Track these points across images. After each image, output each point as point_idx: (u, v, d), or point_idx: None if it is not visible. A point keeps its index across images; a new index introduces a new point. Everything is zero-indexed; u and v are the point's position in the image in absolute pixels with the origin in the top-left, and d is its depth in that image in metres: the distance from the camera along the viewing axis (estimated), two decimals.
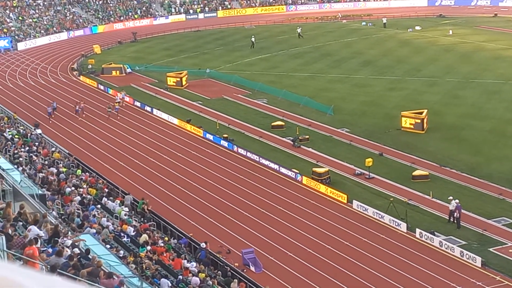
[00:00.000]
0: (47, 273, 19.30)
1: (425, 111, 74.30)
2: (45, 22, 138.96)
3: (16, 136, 62.30)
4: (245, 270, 44.07)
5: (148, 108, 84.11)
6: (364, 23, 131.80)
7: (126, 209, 48.49)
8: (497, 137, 70.18)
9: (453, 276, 43.90)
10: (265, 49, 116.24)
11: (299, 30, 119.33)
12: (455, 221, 50.97)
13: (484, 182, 58.79)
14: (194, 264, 40.65)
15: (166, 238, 44.15)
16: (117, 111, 79.82)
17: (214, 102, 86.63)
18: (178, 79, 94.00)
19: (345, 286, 42.98)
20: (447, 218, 51.80)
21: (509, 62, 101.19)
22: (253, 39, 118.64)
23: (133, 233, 43.03)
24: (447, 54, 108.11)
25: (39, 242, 24.78)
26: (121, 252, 36.97)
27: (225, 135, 72.17)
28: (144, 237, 41.91)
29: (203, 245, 44.47)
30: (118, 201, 50.22)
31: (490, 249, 47.37)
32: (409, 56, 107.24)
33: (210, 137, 72.61)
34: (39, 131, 70.47)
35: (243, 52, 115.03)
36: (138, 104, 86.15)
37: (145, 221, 47.95)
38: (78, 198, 45.81)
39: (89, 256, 27.38)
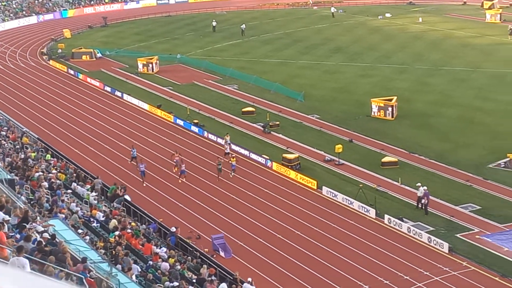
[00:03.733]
0: (16, 259, 19.31)
1: (395, 98, 74.78)
2: (14, 6, 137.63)
3: None
4: (214, 256, 44.22)
5: (119, 93, 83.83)
6: (334, 9, 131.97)
7: (95, 194, 48.42)
8: (465, 124, 70.83)
9: (421, 261, 44.36)
10: (235, 35, 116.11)
11: (243, 27, 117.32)
12: (423, 208, 51.46)
13: (452, 169, 59.39)
14: (164, 249, 40.73)
15: (134, 224, 44.11)
16: (233, 169, 59.16)
17: (185, 87, 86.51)
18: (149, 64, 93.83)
19: (314, 271, 43.30)
20: (415, 204, 52.29)
21: (478, 50, 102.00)
22: (214, 23, 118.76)
23: (102, 218, 43.00)
24: (416, 41, 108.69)
25: (5, 227, 24.72)
26: (88, 237, 36.95)
27: (196, 121, 72.16)
28: (114, 222, 41.90)
29: (173, 229, 44.54)
30: (88, 186, 50.14)
31: (457, 235, 47.89)
32: (379, 43, 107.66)
33: (181, 122, 72.57)
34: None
35: (213, 37, 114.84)
36: (108, 89, 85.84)
37: (115, 206, 47.86)
38: (47, 183, 45.61)
39: (56, 241, 27.32)
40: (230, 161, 59.24)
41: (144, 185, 56.42)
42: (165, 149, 65.23)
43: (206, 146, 66.08)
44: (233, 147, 63.89)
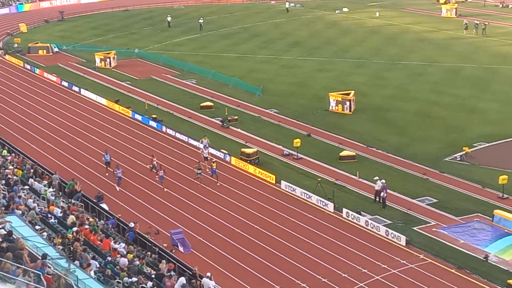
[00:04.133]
0: None
1: (352, 92, 75.26)
2: None
3: None
4: (173, 251, 44.19)
5: (76, 88, 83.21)
6: (288, 4, 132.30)
7: (52, 189, 48.08)
8: (422, 118, 71.54)
9: (379, 254, 44.74)
10: (193, 29, 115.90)
11: (201, 21, 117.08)
12: (381, 201, 51.89)
13: (408, 162, 59.97)
14: (123, 245, 40.60)
15: (92, 219, 43.87)
16: (215, 174, 56.53)
17: (143, 82, 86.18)
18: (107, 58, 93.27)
19: (273, 265, 43.45)
20: (373, 198, 52.70)
21: (434, 44, 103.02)
22: (168, 19, 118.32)
23: (60, 214, 42.73)
24: (374, 36, 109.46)
25: None
26: (45, 233, 36.72)
27: (154, 116, 71.94)
28: (72, 218, 41.65)
29: (131, 224, 44.40)
30: (45, 182, 49.77)
31: (415, 228, 48.36)
32: (337, 38, 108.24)
33: (139, 117, 72.28)
34: None
35: (172, 32, 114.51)
36: (65, 84, 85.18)
37: (73, 201, 47.58)
38: (3, 179, 45.18)
39: (13, 237, 27.12)
40: (210, 166, 56.95)
41: (118, 190, 54.55)
42: (124, 144, 64.96)
43: (165, 141, 65.90)
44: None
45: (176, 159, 61.43)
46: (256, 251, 45.21)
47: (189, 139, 65.18)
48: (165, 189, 54.40)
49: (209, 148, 60.83)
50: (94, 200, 48.94)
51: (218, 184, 55.24)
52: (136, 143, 65.36)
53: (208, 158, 59.05)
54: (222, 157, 61.24)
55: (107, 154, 58.20)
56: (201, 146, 61.16)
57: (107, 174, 57.00)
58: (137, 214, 49.88)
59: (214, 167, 56.24)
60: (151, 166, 56.88)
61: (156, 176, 55.70)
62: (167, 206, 51.98)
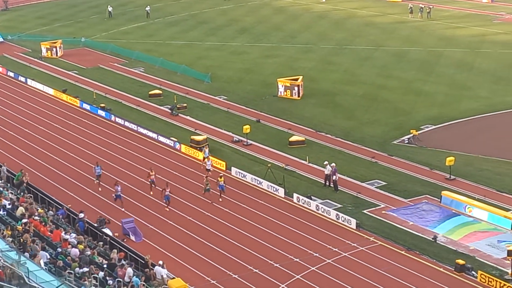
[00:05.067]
0: None
1: (301, 77, 75.59)
2: None
3: None
4: (125, 240, 44.05)
5: (22, 78, 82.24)
6: None
7: (0, 181, 47.58)
8: (369, 102, 72.20)
9: (329, 238, 45.12)
10: (140, 17, 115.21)
11: (148, 9, 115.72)
12: (333, 185, 52.28)
13: (357, 146, 60.53)
14: (73, 235, 40.38)
15: (41, 210, 43.49)
16: (223, 190, 51.21)
17: (90, 71, 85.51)
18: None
19: (225, 252, 43.55)
20: (323, 182, 53.08)
21: (380, 28, 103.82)
22: (110, 9, 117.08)
23: (9, 206, 42.33)
24: (321, 21, 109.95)
25: None
26: None
27: (102, 105, 71.46)
28: (21, 209, 41.30)
29: (81, 215, 44.13)
30: None
31: (364, 211, 48.87)
32: (284, 23, 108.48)
33: (87, 106, 71.73)
34: None
35: (118, 20, 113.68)
36: (11, 74, 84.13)
37: (22, 193, 47.14)
38: None
39: None
40: (217, 181, 51.07)
41: (123, 209, 49.20)
42: (72, 134, 64.47)
43: (114, 130, 65.53)
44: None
45: (125, 147, 61.19)
46: (208, 238, 45.27)
47: (138, 127, 64.91)
48: (167, 209, 49.28)
49: (210, 158, 56.11)
50: (95, 224, 44.75)
51: (220, 200, 50.39)
52: (84, 132, 64.88)
53: (211, 170, 54.21)
54: (172, 145, 61.12)
55: (98, 167, 53.10)
56: (202, 157, 56.94)
57: (100, 189, 52.21)
58: (88, 204, 49.57)
59: (222, 182, 50.92)
60: (149, 180, 51.81)
61: (151, 191, 51.61)
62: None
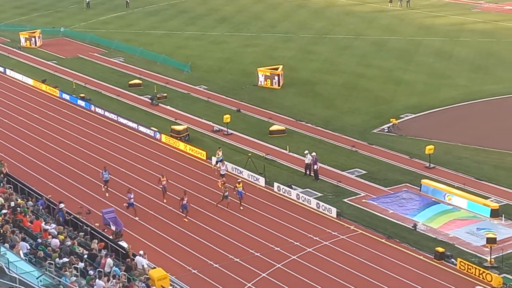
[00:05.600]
0: None
1: (281, 66, 75.62)
2: None
3: None
4: (106, 230, 43.99)
5: (1, 69, 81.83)
6: None
7: None
8: (349, 91, 72.38)
9: (310, 227, 45.20)
10: (120, 7, 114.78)
11: None
12: (313, 174, 52.40)
13: (337, 135, 60.68)
14: (53, 225, 40.26)
15: (21, 201, 43.31)
16: (241, 197, 48.25)
17: (70, 61, 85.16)
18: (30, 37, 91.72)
19: (206, 241, 43.52)
20: (304, 171, 53.19)
21: (360, 17, 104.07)
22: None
23: None
24: (300, 10, 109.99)
25: None
26: None
27: (82, 95, 71.20)
28: (0, 200, 41.10)
29: (61, 205, 43.96)
30: None
31: (345, 200, 49.02)
32: (263, 12, 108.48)
33: (67, 97, 71.46)
34: None
35: (97, 10, 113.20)
36: None
37: (1, 184, 46.91)
38: None
39: None
40: (235, 187, 47.98)
41: (137, 218, 46.52)
42: (52, 124, 64.22)
43: (94, 120, 65.32)
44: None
45: (105, 137, 61.01)
46: (188, 228, 45.26)
47: (118, 117, 64.76)
48: (186, 219, 46.34)
49: (225, 163, 52.49)
50: (111, 237, 41.45)
51: (241, 208, 47.55)
52: (64, 123, 64.65)
53: (225, 175, 51.06)
54: (152, 134, 61.03)
55: (106, 172, 50.10)
56: (214, 161, 53.87)
57: (107, 194, 49.76)
58: (68, 194, 49.40)
59: (240, 188, 47.95)
60: (161, 186, 49.00)
61: (164, 199, 48.81)
62: (98, 185, 51.56)
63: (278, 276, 39.53)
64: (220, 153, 53.61)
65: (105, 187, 50.03)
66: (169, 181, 50.62)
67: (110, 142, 60.05)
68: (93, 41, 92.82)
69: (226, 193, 47.39)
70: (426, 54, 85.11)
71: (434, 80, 75.50)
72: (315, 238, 43.75)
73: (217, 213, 46.90)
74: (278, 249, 42.58)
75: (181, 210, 46.46)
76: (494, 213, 46.08)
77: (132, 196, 46.40)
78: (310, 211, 47.45)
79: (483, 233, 43.24)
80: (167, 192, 49.06)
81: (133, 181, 52.30)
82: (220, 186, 48.72)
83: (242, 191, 47.86)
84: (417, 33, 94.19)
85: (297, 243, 43.11)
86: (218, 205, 47.51)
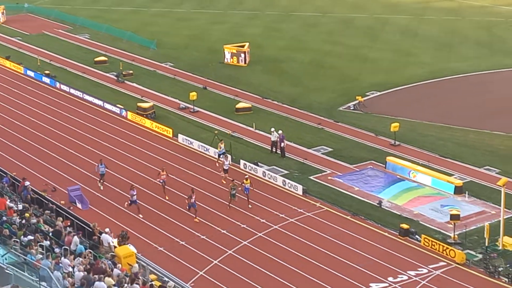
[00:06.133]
0: None
1: (247, 44, 75.52)
2: None
3: None
4: (71, 208, 43.82)
5: None
6: None
7: None
8: (316, 69, 72.53)
9: (276, 204, 45.36)
10: None
11: None
12: (279, 151, 52.54)
13: (304, 113, 60.83)
14: (19, 203, 40.01)
15: None
16: (248, 194, 45.22)
17: (34, 37, 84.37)
18: None
19: (172, 218, 43.49)
20: (270, 148, 53.31)
21: None
22: None
23: None
24: None
25: None
26: None
27: (47, 72, 70.67)
28: None
29: (27, 183, 43.69)
30: None
31: (311, 177, 49.26)
32: None
33: (31, 74, 70.85)
34: None
35: None
36: None
37: None
38: None
39: None
40: (242, 183, 45.04)
41: (141, 216, 43.84)
42: (16, 101, 63.70)
43: (59, 97, 64.88)
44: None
45: (70, 115, 60.67)
46: (154, 205, 45.20)
47: (84, 94, 64.38)
48: (197, 219, 43.41)
49: (227, 155, 49.53)
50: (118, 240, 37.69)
51: (250, 206, 44.74)
52: (29, 100, 64.17)
53: (228, 170, 48.37)
54: (118, 112, 60.79)
55: (102, 165, 47.49)
56: (217, 154, 51.00)
57: (101, 188, 47.44)
58: (33, 172, 49.13)
59: (248, 185, 45.03)
60: (160, 181, 46.44)
61: (166, 196, 46.20)
62: (63, 162, 51.38)
63: (244, 253, 39.71)
64: (222, 146, 50.71)
65: (101, 181, 47.53)
66: (135, 158, 50.47)
67: (75, 119, 59.70)
68: (58, 18, 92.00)
69: (234, 191, 44.40)
70: (392, 32, 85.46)
71: (399, 58, 75.88)
72: (281, 215, 43.93)
73: (182, 190, 46.84)
74: (244, 226, 42.73)
75: (187, 208, 43.78)
76: (458, 190, 46.60)
77: (135, 193, 43.67)
78: (276, 189, 47.62)
79: (447, 209, 43.75)
80: (166, 186, 46.39)
81: (98, 157, 52.01)
82: (223, 182, 46.59)
83: (250, 187, 44.99)
84: (383, 11, 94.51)
85: (263, 220, 43.28)
86: (230, 205, 44.61)
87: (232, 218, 43.45)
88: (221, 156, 50.16)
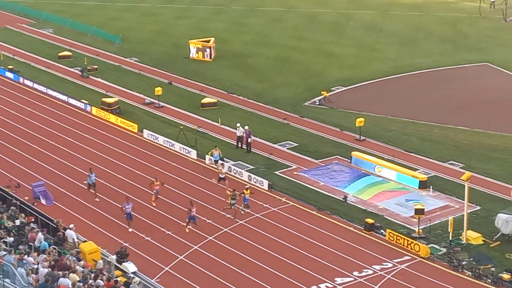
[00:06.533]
0: None
1: (212, 39, 75.40)
2: None
3: None
4: (35, 204, 43.52)
5: None
6: None
7: None
8: (282, 64, 72.64)
9: (242, 199, 45.25)
10: None
11: None
12: (246, 146, 52.54)
13: (269, 108, 60.90)
14: None
15: None
16: (247, 204, 43.81)
17: None
18: None
19: (137, 214, 43.04)
20: (235, 144, 53.29)
21: None
22: None
23: None
24: None
25: None
26: None
27: (10, 66, 70.04)
28: None
29: None
30: None
31: (276, 172, 49.31)
32: None
33: None
34: None
35: None
36: None
37: None
38: None
39: None
40: (242, 194, 43.41)
41: (130, 230, 41.46)
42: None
43: (22, 92, 64.35)
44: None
45: (34, 110, 60.19)
46: (119, 201, 44.93)
47: (48, 89, 63.90)
48: (187, 229, 41.57)
49: (224, 163, 48.22)
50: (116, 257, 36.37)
51: (242, 212, 43.18)
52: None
53: (226, 178, 46.41)
54: (83, 107, 60.41)
55: (92, 174, 45.25)
56: (211, 160, 49.50)
57: (97, 199, 44.91)
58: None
59: (247, 195, 43.53)
60: (154, 191, 44.36)
61: (154, 202, 44.40)
62: (27, 158, 50.98)
63: (209, 248, 39.66)
64: (216, 153, 48.90)
65: (95, 194, 44.96)
66: (100, 154, 50.19)
67: (39, 114, 59.24)
68: (21, 12, 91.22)
69: (233, 201, 42.63)
70: (357, 28, 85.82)
71: (364, 53, 76.24)
72: (246, 210, 43.90)
73: (147, 186, 46.64)
74: (209, 221, 42.68)
75: (187, 220, 41.65)
76: (422, 185, 46.92)
77: (129, 206, 41.09)
78: (242, 184, 47.56)
79: (412, 204, 44.01)
80: (159, 193, 44.49)
81: (62, 153, 51.76)
82: (228, 194, 43.20)
83: (248, 198, 43.41)
84: (348, 6, 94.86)
85: (229, 216, 43.23)
86: (234, 218, 42.66)
87: (198, 213, 43.30)
88: (216, 163, 48.16)
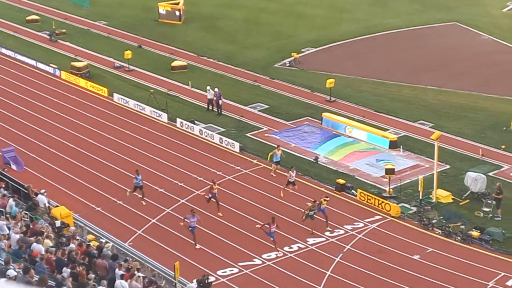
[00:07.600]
0: None
1: (182, 1, 74.89)
2: None
3: None
4: (6, 169, 43.32)
5: None
6: None
7: None
8: (251, 26, 72.35)
9: (214, 162, 45.48)
10: None
11: None
12: (216, 109, 52.52)
13: (240, 70, 60.78)
14: None
15: None
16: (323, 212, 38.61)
17: None
18: None
19: (108, 178, 43.27)
20: (206, 106, 53.25)
21: None
22: None
23: None
24: None
25: None
26: None
27: None
28: None
29: None
30: None
31: (247, 134, 49.41)
32: None
33: None
34: None
35: None
36: None
37: None
38: None
39: None
40: (319, 203, 38.36)
41: (198, 247, 36.76)
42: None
43: None
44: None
45: (1, 75, 59.66)
46: (90, 165, 44.92)
47: (16, 54, 63.31)
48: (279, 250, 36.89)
49: (294, 168, 42.25)
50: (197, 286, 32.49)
51: (329, 229, 38.22)
52: None
53: (295, 183, 41.67)
54: (52, 71, 59.96)
55: (139, 176, 40.44)
56: (274, 160, 44.31)
57: (144, 203, 40.61)
58: None
59: (324, 205, 38.47)
60: (209, 196, 39.77)
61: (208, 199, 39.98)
62: None
63: (182, 211, 39.71)
64: (279, 153, 44.23)
65: (142, 198, 40.64)
66: (70, 118, 49.98)
67: (7, 79, 58.76)
68: None
69: (313, 213, 38.07)
70: None
71: (334, 14, 76.08)
72: (218, 172, 44.05)
73: (119, 150, 46.62)
74: (181, 184, 42.78)
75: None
76: (393, 145, 47.26)
77: (194, 219, 36.46)
78: (213, 146, 47.69)
79: (382, 164, 44.35)
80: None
81: (31, 118, 51.45)
82: (308, 205, 38.28)
83: (325, 208, 38.51)
84: None
85: (201, 178, 43.36)
86: (312, 231, 38.17)
87: (170, 177, 43.41)
88: (278, 164, 44.15)
